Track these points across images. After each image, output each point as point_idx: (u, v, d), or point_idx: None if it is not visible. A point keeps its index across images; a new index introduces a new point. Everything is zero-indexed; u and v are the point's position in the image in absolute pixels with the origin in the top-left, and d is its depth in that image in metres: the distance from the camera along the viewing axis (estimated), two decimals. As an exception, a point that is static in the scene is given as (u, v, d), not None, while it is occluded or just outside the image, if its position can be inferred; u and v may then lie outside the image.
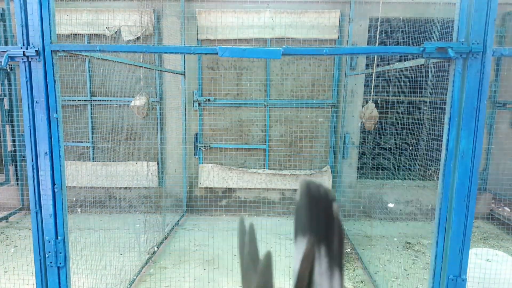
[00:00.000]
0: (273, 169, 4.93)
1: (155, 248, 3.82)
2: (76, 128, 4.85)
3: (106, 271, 3.33)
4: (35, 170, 1.80)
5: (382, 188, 4.88)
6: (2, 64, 1.67)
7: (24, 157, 4.92)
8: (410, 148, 4.66)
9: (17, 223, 4.63)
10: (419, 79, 4.45)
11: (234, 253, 3.83)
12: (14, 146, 4.91)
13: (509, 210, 4.90)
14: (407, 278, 3.39)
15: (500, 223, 4.71)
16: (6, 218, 4.69)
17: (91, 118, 4.85)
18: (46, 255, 1.85)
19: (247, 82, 4.80)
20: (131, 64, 4.03)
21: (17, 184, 4.99)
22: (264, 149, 4.91)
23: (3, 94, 4.81)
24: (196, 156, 4.94)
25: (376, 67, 3.90)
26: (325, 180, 4.82)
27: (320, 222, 0.41)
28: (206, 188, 4.98)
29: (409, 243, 4.17)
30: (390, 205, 4.87)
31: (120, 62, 3.04)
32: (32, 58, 1.72)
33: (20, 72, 1.74)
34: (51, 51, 1.73)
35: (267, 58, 4.83)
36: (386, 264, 3.65)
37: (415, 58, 2.29)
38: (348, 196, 4.88)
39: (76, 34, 4.66)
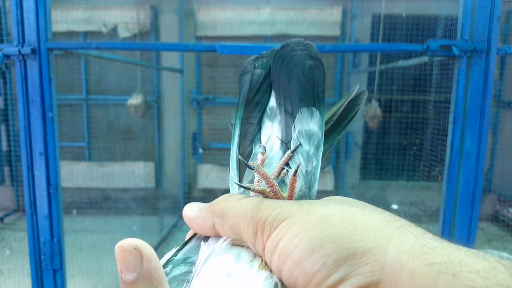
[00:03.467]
0: (274, 170, 4.87)
1: (152, 251, 3.77)
2: (72, 127, 4.81)
3: (102, 274, 3.28)
4: (30, 171, 1.79)
5: (386, 189, 4.84)
6: None
7: (19, 157, 4.86)
8: (414, 148, 4.59)
9: (12, 224, 4.60)
10: (423, 77, 4.38)
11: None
12: (9, 146, 4.86)
13: (514, 211, 4.85)
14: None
15: (504, 225, 4.66)
16: (1, 219, 4.66)
17: (87, 117, 4.80)
18: (42, 257, 1.84)
19: (247, 80, 4.73)
20: (128, 62, 3.97)
21: (12, 185, 4.94)
22: (264, 149, 4.86)
23: (-2, 93, 4.76)
24: (195, 157, 4.89)
25: (379, 65, 3.83)
26: (327, 181, 4.77)
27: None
28: (205, 189, 4.92)
29: (413, 245, 4.12)
30: (394, 206, 4.82)
31: (117, 60, 2.98)
32: (27, 56, 1.71)
33: (15, 71, 1.73)
34: (47, 49, 1.72)
35: (267, 56, 4.79)
36: (389, 267, 3.61)
37: (418, 55, 2.27)
38: (351, 198, 4.80)
39: (72, 32, 4.62)
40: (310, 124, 0.41)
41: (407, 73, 4.51)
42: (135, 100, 4.06)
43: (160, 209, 4.72)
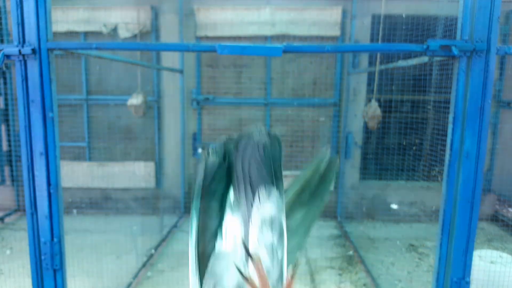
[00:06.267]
0: (274, 170, 4.86)
1: (153, 251, 3.77)
2: (72, 127, 4.80)
3: (102, 274, 3.29)
4: (30, 171, 1.78)
5: (386, 189, 4.83)
6: None
7: (19, 157, 4.85)
8: (414, 148, 4.59)
9: (12, 224, 4.58)
10: (423, 77, 4.38)
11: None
12: (9, 146, 4.86)
13: (514, 211, 4.84)
14: (411, 281, 3.35)
15: (504, 225, 4.65)
16: (1, 219, 4.64)
17: (87, 117, 4.80)
18: (42, 257, 1.83)
19: (247, 80, 4.73)
20: (128, 62, 3.97)
21: (13, 184, 4.93)
22: (264, 149, 4.85)
23: (-2, 93, 4.75)
24: (195, 157, 4.88)
25: (379, 65, 3.83)
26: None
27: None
28: (205, 188, 4.90)
29: (413, 245, 4.12)
30: (394, 206, 4.82)
31: (117, 60, 2.98)
32: (28, 57, 1.70)
33: (15, 71, 1.72)
34: (47, 49, 1.71)
35: (267, 56, 4.79)
36: (389, 267, 3.61)
37: (418, 56, 2.26)
38: (350, 198, 4.81)
39: (72, 32, 4.61)
40: (267, 206, 0.39)
41: (407, 73, 4.51)
42: (135, 100, 4.07)
43: (160, 209, 4.71)
